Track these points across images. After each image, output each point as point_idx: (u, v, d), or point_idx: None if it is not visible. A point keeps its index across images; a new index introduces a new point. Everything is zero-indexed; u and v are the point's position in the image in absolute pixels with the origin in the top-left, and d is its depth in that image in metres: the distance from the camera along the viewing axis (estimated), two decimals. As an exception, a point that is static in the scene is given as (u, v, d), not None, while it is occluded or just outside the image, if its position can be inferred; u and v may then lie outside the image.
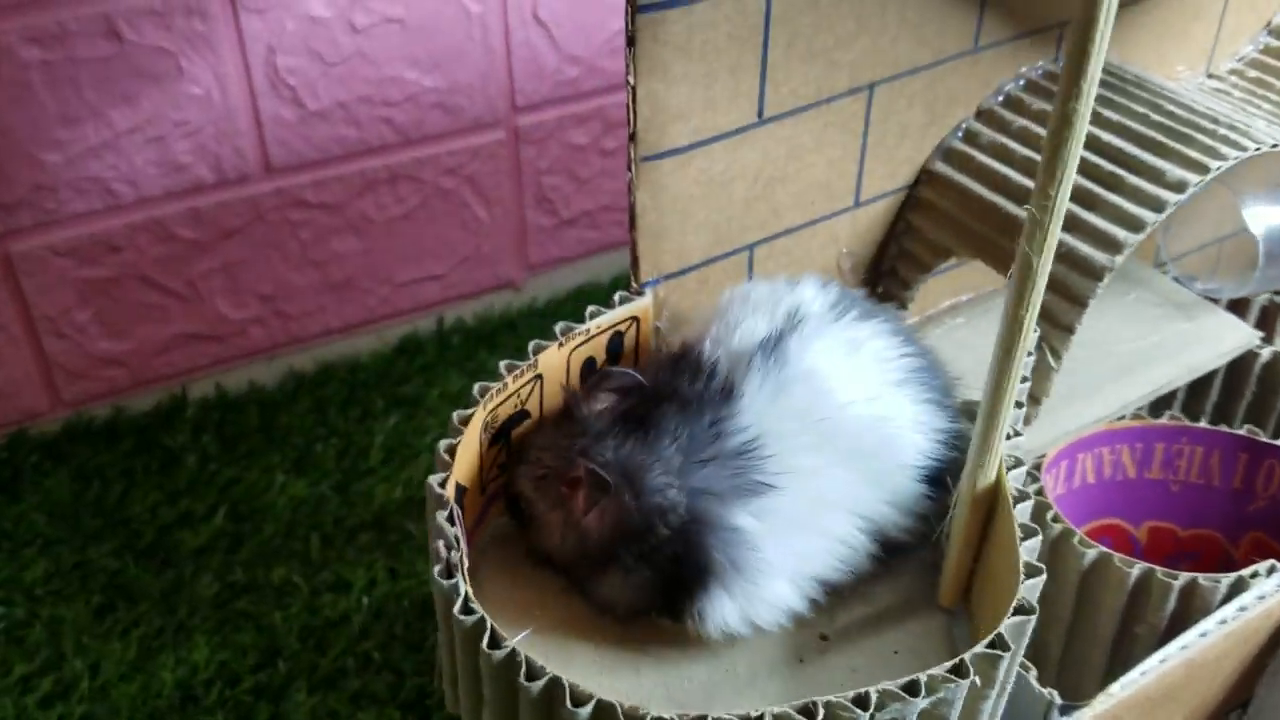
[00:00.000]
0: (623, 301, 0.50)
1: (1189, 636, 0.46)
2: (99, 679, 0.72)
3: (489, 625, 0.37)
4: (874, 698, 0.35)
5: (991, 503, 0.42)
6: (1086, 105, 0.33)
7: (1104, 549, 0.50)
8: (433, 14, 0.88)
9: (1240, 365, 0.63)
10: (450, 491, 0.41)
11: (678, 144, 0.47)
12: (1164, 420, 0.58)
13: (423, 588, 0.78)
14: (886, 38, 0.51)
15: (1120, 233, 0.49)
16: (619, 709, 0.35)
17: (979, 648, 0.36)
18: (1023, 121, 0.55)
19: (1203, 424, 0.58)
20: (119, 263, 0.87)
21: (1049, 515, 0.52)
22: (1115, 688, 0.44)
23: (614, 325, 0.50)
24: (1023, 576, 0.38)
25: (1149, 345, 0.60)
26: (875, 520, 0.44)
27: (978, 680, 0.36)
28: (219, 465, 0.88)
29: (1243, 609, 0.47)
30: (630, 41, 0.43)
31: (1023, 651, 0.39)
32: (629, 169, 0.47)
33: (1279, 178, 0.62)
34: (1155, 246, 0.69)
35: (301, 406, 0.93)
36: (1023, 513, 0.40)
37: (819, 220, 0.55)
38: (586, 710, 0.35)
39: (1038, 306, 0.37)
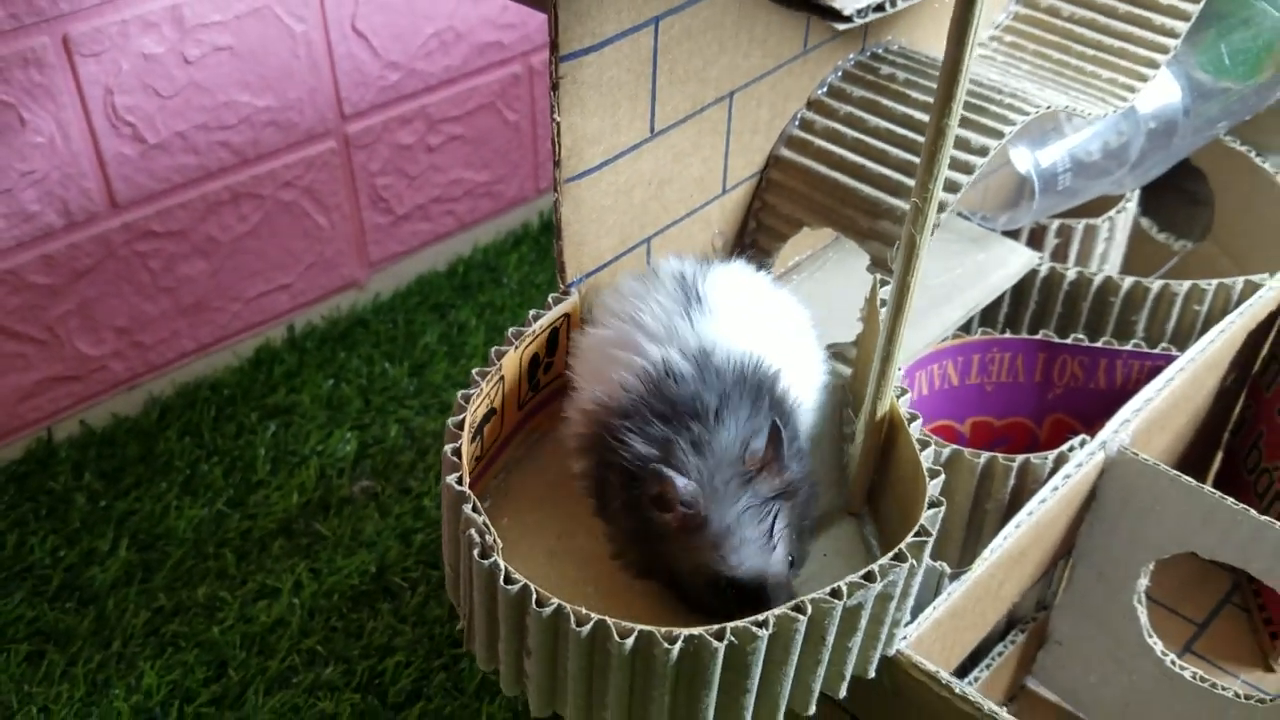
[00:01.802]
0: (555, 302, 0.58)
1: (1033, 504, 0.59)
2: (54, 720, 0.74)
3: (533, 590, 0.45)
4: (844, 589, 0.45)
5: (887, 426, 0.53)
6: (955, 119, 0.44)
7: (957, 447, 0.63)
8: (259, 38, 0.92)
9: (1024, 280, 0.77)
10: (467, 487, 0.49)
11: (592, 164, 0.56)
12: (977, 336, 0.71)
13: (347, 581, 0.84)
14: (740, 53, 0.60)
15: (943, 195, 0.61)
16: (656, 635, 0.44)
17: (910, 538, 0.48)
18: (846, 107, 0.66)
19: (1007, 334, 0.71)
20: (-25, 318, 0.87)
21: (913, 426, 0.64)
22: (987, 552, 0.57)
23: (552, 323, 0.58)
24: (929, 479, 0.50)
25: (956, 276, 0.73)
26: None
27: (914, 562, 0.47)
28: (108, 500, 0.90)
29: (1068, 476, 0.61)
30: (554, 86, 0.51)
31: (934, 537, 0.51)
32: (555, 190, 0.55)
33: (1039, 125, 0.75)
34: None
35: (173, 431, 0.96)
36: (915, 430, 0.52)
37: (697, 209, 0.64)
38: (630, 641, 0.44)
39: (920, 272, 0.48)
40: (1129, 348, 0.71)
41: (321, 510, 0.90)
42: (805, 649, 0.47)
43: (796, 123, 0.67)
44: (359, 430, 0.94)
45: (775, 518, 0.49)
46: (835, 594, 0.46)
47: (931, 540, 0.48)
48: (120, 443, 0.95)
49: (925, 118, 0.65)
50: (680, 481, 0.48)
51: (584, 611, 0.45)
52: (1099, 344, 0.71)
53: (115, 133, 0.88)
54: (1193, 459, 0.79)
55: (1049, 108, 0.65)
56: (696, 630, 0.44)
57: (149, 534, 0.87)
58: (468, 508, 0.47)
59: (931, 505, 0.49)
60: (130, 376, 0.99)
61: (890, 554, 0.47)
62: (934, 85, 0.63)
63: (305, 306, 1.07)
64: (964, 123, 0.64)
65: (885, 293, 0.61)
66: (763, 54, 0.62)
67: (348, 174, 1.03)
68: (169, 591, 0.83)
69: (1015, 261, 0.75)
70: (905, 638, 0.53)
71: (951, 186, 0.62)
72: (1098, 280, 0.76)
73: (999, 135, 0.63)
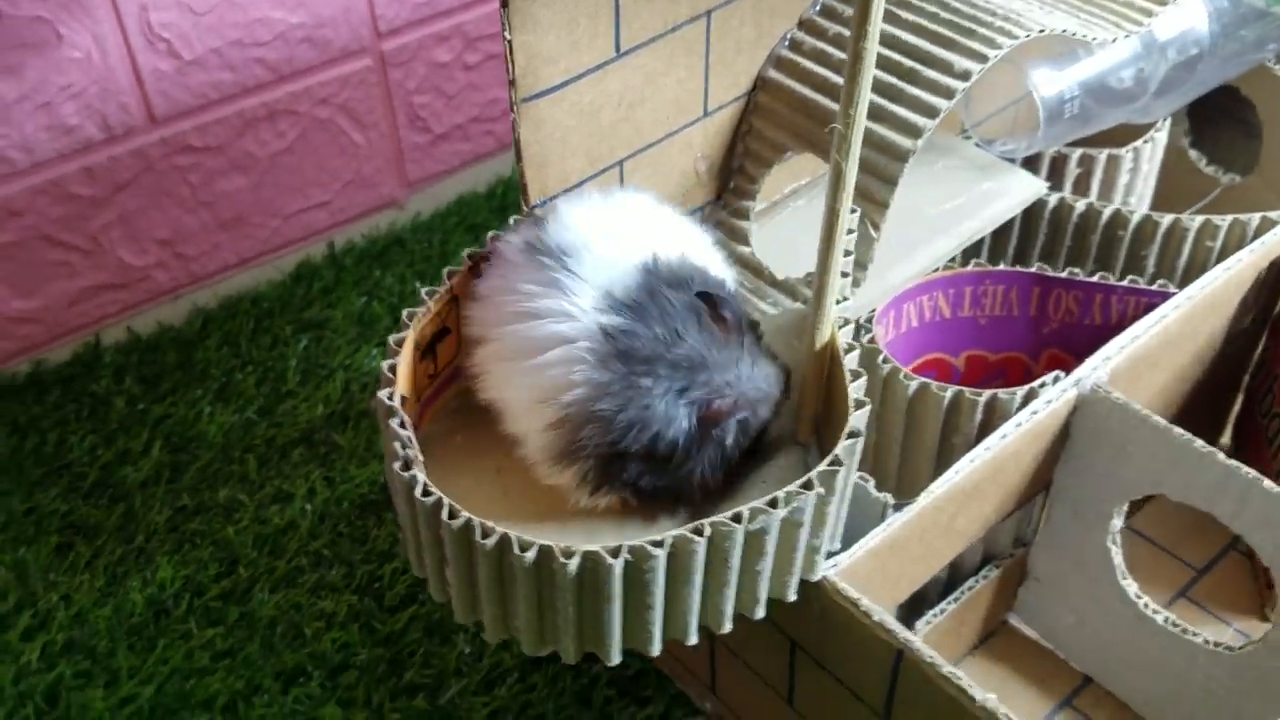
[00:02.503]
0: (516, 223, 0.59)
1: (992, 440, 0.58)
2: (73, 608, 0.79)
3: (445, 503, 0.47)
4: (745, 514, 0.46)
5: (828, 356, 0.53)
6: (873, 43, 0.43)
7: (924, 379, 0.62)
8: (291, -45, 0.93)
9: (1033, 212, 0.75)
10: (398, 402, 0.50)
11: (551, 83, 0.56)
12: (970, 267, 0.70)
13: (358, 490, 0.87)
14: (713, -30, 0.59)
15: (919, 119, 0.60)
16: (555, 550, 0.45)
17: (821, 466, 0.47)
18: (836, 27, 0.65)
19: (1001, 266, 0.70)
20: (22, 226, 0.92)
21: (879, 359, 0.64)
22: (935, 485, 0.57)
23: (510, 243, 0.58)
24: (853, 410, 0.49)
25: (956, 205, 0.72)
26: None
27: (822, 490, 0.47)
28: (146, 404, 0.94)
29: (1034, 413, 0.60)
30: (504, 3, 0.51)
31: (855, 467, 0.50)
32: (511, 110, 0.55)
33: (1056, 50, 0.73)
34: (959, 119, 0.80)
35: (213, 341, 1.00)
36: (851, 360, 0.52)
37: (676, 132, 0.64)
38: (531, 555, 0.45)
39: (849, 199, 0.48)
40: (1124, 283, 0.68)
41: (342, 422, 0.93)
42: (710, 570, 0.47)
43: (786, 43, 0.66)
44: (384, 347, 0.97)
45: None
46: (736, 518, 0.46)
47: (844, 470, 0.48)
48: (162, 350, 0.99)
49: (910, 38, 0.63)
50: (727, 398, 0.50)
51: (490, 525, 0.46)
52: (1094, 279, 0.69)
53: (151, 48, 0.91)
54: (1207, 402, 0.76)
55: (1042, 31, 0.62)
56: (593, 547, 0.45)
57: (181, 437, 0.92)
58: (394, 422, 0.49)
59: (850, 435, 0.49)
60: (174, 287, 1.03)
61: (800, 480, 0.47)
62: (929, 7, 0.62)
63: (345, 224, 1.10)
64: (949, 45, 0.62)
65: (853, 221, 0.60)
66: (740, -28, 0.61)
67: (384, 92, 1.05)
68: (193, 492, 0.87)
69: (1020, 191, 0.73)
70: (835, 565, 0.53)
71: (930, 112, 0.60)
72: (1106, 213, 0.73)
73: (984, 59, 0.61)
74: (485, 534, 0.46)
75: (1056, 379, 0.62)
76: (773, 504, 0.46)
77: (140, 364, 0.98)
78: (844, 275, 0.55)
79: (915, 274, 0.68)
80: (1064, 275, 0.69)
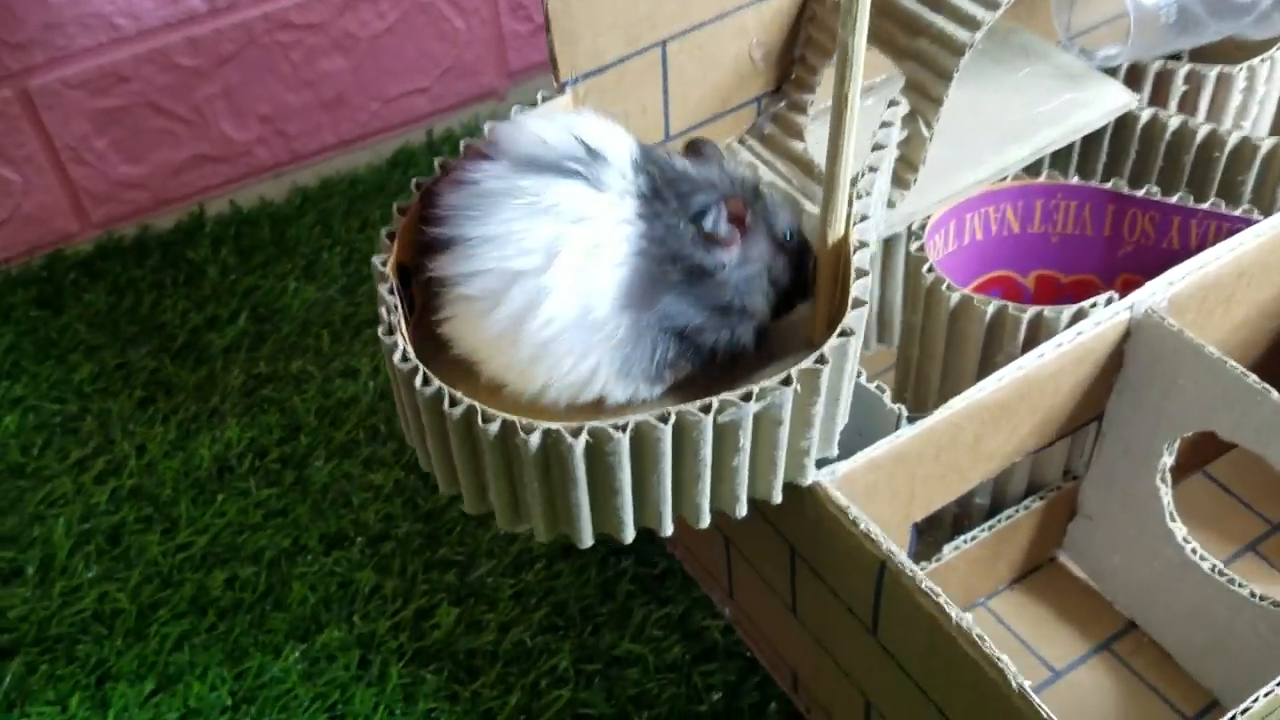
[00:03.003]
0: (545, 100, 0.58)
1: (1027, 359, 0.55)
2: (145, 458, 0.83)
3: (420, 370, 0.46)
4: (715, 404, 0.44)
5: (842, 253, 0.50)
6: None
7: (966, 291, 0.59)
8: None
9: (1124, 128, 0.69)
10: (391, 269, 0.50)
11: (579, -48, 0.54)
12: (1042, 179, 0.65)
13: (421, 369, 0.88)
14: None
15: (978, 10, 0.56)
16: (517, 424, 0.44)
17: (804, 363, 0.45)
18: (905, -87, 0.60)
19: (1075, 180, 0.65)
20: (128, 92, 0.95)
21: (924, 268, 0.61)
22: (955, 401, 0.54)
23: (537, 120, 0.57)
24: (850, 309, 0.47)
25: (1035, 113, 0.67)
26: None
27: (799, 388, 0.45)
28: (238, 275, 0.98)
29: (1079, 334, 0.56)
30: None
31: (850, 369, 0.48)
32: (535, -18, 0.54)
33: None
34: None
35: (308, 220, 1.02)
36: (860, 259, 0.49)
37: (728, 14, 0.61)
38: (494, 427, 0.45)
39: (859, 83, 0.44)
40: (1205, 206, 0.63)
41: (416, 303, 0.94)
42: (680, 461, 0.46)
43: (852, -73, 0.62)
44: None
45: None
46: (705, 409, 0.44)
47: (829, 369, 0.46)
48: (259, 224, 1.02)
49: (982, -75, 0.58)
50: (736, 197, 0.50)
51: (459, 395, 0.45)
52: (1173, 199, 0.63)
53: (252, -77, 0.92)
54: None
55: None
56: (555, 425, 0.44)
57: (266, 308, 0.95)
58: (384, 288, 0.49)
59: (842, 334, 0.46)
60: (274, 164, 1.05)
61: (779, 376, 0.45)
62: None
63: (445, 112, 1.10)
64: (1022, -67, 0.57)
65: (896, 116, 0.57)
66: None
67: (486, -22, 1.04)
68: (269, 360, 0.90)
69: (1106, 103, 0.67)
70: (833, 473, 0.51)
71: (990, 3, 0.56)
72: (1201, 133, 0.67)
73: (1055, -52, 0.56)
74: (454, 403, 0.45)
75: (1110, 300, 0.58)
76: (746, 397, 0.45)
77: (237, 236, 1.01)
78: (869, 171, 0.52)
79: (980, 181, 0.64)
80: (1140, 194, 0.64)
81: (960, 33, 0.56)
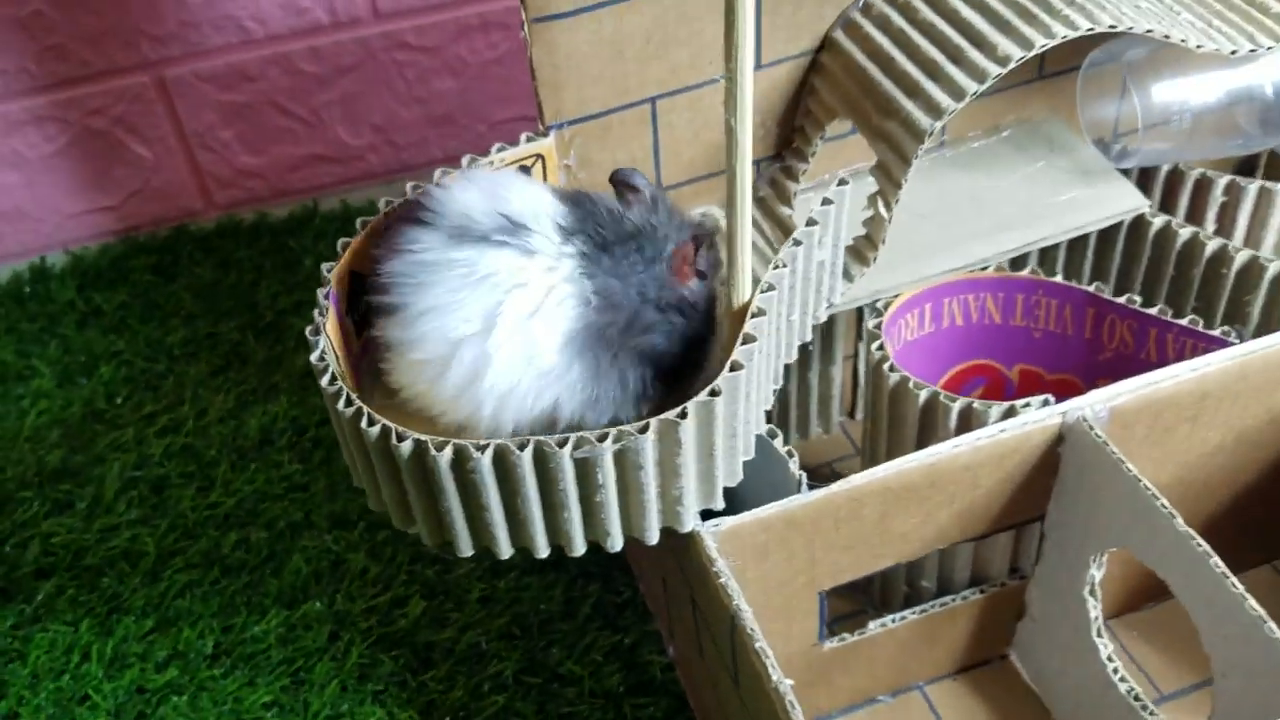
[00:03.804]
0: (529, 140, 0.62)
1: (940, 447, 0.55)
2: (204, 420, 0.91)
3: (343, 391, 0.51)
4: (572, 439, 0.47)
5: (745, 316, 0.52)
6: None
7: (905, 373, 0.59)
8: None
9: (1138, 233, 0.68)
10: (339, 277, 0.55)
11: (563, 8, 0.58)
12: (1025, 273, 0.65)
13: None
14: (766, -82, 0.59)
15: (945, 100, 0.57)
16: (392, 431, 0.48)
17: (667, 415, 0.48)
18: (906, -3, 0.62)
19: (1059, 278, 0.64)
20: (254, 90, 1.04)
21: (874, 345, 0.61)
22: (857, 477, 0.54)
23: (519, 159, 0.61)
24: (726, 370, 0.49)
25: (1037, 206, 0.66)
26: None
27: (654, 438, 0.47)
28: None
29: (1002, 431, 0.56)
30: (506, -74, 0.54)
31: (719, 426, 0.50)
32: (522, 27, 0.58)
33: (1205, 61, 0.65)
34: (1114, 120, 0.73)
35: (406, 222, 1.09)
36: (755, 326, 0.50)
37: (721, 78, 0.64)
38: (375, 430, 0.49)
39: (747, 161, 0.46)
40: (1182, 322, 0.61)
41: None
42: (544, 488, 0.49)
43: (859, 5, 0.64)
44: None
45: None
46: (561, 443, 0.47)
47: (692, 424, 0.48)
48: (361, 223, 1.10)
49: (969, 14, 0.59)
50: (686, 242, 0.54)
51: (377, 416, 0.49)
52: (1152, 311, 0.62)
53: (380, -52, 1.00)
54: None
55: (1113, 27, 0.57)
56: (424, 435, 0.48)
57: (346, 300, 1.02)
58: (321, 292, 0.54)
59: (711, 394, 0.48)
60: (385, 171, 1.13)
61: (638, 423, 0.48)
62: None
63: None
64: (1004, 27, 0.58)
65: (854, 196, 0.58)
66: (799, -76, 0.60)
67: (598, 19, 1.09)
68: (332, 348, 0.97)
69: (1112, 205, 0.66)
70: (718, 525, 0.53)
71: (957, 93, 0.57)
72: (1211, 247, 0.65)
73: (1030, 46, 0.56)
74: (371, 422, 0.49)
75: (1046, 402, 0.57)
76: (602, 438, 0.47)
77: (341, 232, 1.09)
78: (794, 245, 0.54)
79: (961, 266, 0.65)
80: (1120, 301, 0.63)
81: (924, 119, 0.57)
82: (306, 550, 0.81)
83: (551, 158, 0.62)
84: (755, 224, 0.67)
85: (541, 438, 0.47)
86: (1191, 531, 0.51)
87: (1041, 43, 0.56)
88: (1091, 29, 0.56)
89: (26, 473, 0.88)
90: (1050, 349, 0.66)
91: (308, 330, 0.53)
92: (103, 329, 1.02)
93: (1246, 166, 0.79)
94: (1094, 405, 0.56)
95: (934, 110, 0.57)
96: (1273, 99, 0.68)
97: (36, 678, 0.75)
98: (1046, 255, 0.70)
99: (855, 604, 0.72)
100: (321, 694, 0.73)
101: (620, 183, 0.55)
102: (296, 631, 0.77)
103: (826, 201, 0.55)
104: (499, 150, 0.61)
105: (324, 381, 0.51)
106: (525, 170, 0.62)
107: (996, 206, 0.67)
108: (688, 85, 0.63)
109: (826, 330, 0.73)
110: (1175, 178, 0.71)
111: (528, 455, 0.48)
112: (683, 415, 0.48)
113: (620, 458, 0.48)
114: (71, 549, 0.83)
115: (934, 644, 0.66)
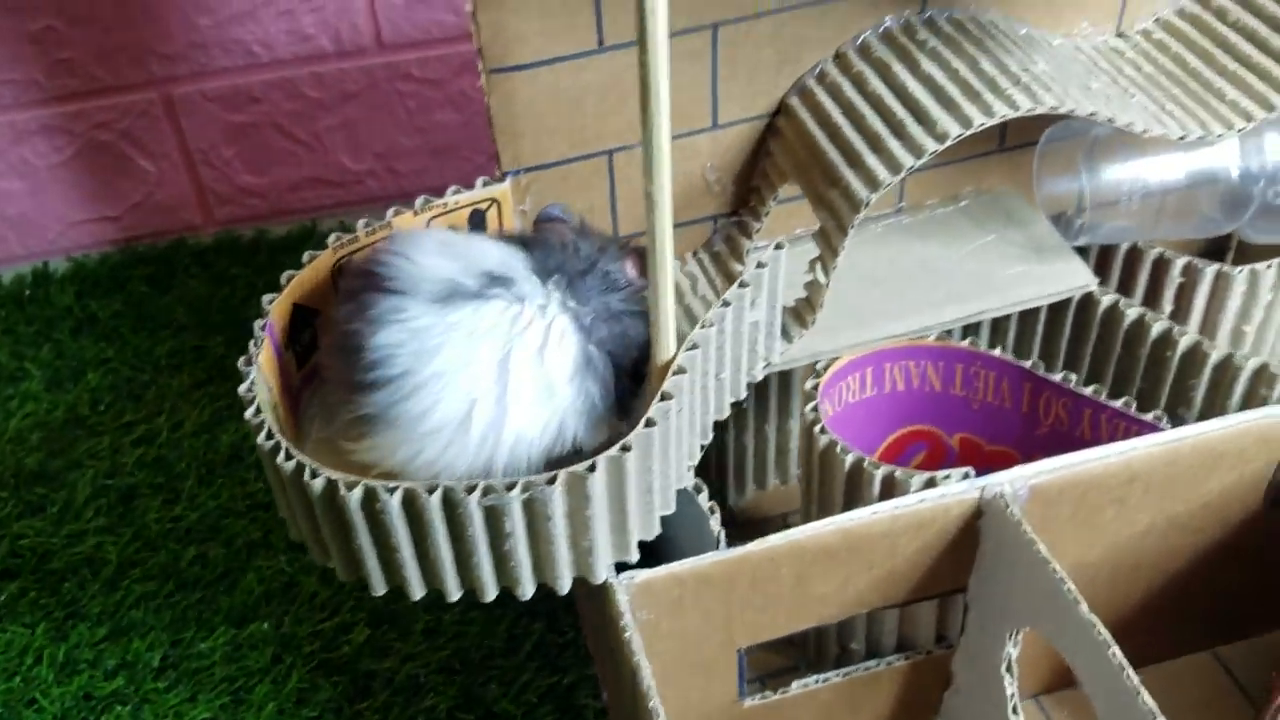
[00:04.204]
0: (485, 184, 0.63)
1: (857, 513, 0.56)
2: (178, 433, 0.93)
3: (266, 424, 0.52)
4: (481, 486, 0.48)
5: (667, 373, 0.53)
6: (656, 70, 0.43)
7: (834, 437, 0.60)
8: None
9: (1087, 310, 0.68)
10: (281, 310, 0.56)
11: (521, 61, 0.59)
12: (965, 344, 0.65)
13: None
14: (723, -14, 0.60)
15: (882, 173, 0.58)
16: (306, 467, 0.50)
17: (575, 469, 0.48)
18: (861, 66, 0.63)
19: (998, 352, 0.65)
20: (257, 111, 1.07)
21: (809, 406, 0.62)
22: (774, 537, 0.55)
23: (473, 203, 0.63)
24: (641, 425, 0.50)
25: (985, 279, 0.67)
26: None
27: (562, 490, 0.48)
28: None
29: (921, 501, 0.56)
30: (464, -25, 0.56)
31: (632, 481, 0.50)
32: (479, 76, 0.60)
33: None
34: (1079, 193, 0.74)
35: (399, 249, 1.11)
36: (674, 385, 0.51)
37: (676, 136, 0.65)
38: (290, 465, 0.50)
39: (667, 229, 0.48)
40: (1116, 404, 0.61)
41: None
42: (453, 532, 0.50)
43: (815, 73, 0.65)
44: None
45: None
46: (470, 489, 0.48)
47: (600, 478, 0.49)
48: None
49: (915, 89, 0.60)
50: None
51: (295, 451, 0.51)
52: (1087, 391, 0.62)
53: (385, -20, 1.02)
54: (1207, 592, 0.66)
55: (1054, 109, 0.57)
56: (338, 474, 0.49)
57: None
58: (258, 324, 0.55)
59: (623, 449, 0.49)
60: (385, 196, 1.15)
61: (546, 475, 0.49)
62: (957, 61, 0.59)
63: (546, 174, 1.17)
64: (948, 104, 0.59)
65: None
66: (756, -9, 0.61)
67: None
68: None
69: (1060, 282, 0.67)
70: (632, 578, 0.54)
71: (894, 167, 0.57)
72: (1156, 329, 0.66)
73: (968, 124, 0.57)
74: (288, 457, 0.51)
75: (966, 475, 0.58)
76: (510, 486, 0.48)
77: (334, 254, 1.11)
78: (722, 305, 0.55)
79: (904, 333, 0.65)
80: (1056, 378, 0.63)
81: (861, 190, 0.58)
82: (261, 570, 0.83)
83: (507, 202, 0.63)
84: (711, 279, 0.68)
85: (449, 483, 0.48)
86: (1094, 619, 0.51)
87: (980, 121, 0.57)
88: (1033, 109, 0.57)
89: (4, 474, 0.90)
90: (989, 420, 0.67)
91: (240, 361, 0.54)
92: (96, 336, 1.04)
93: (1215, 249, 0.79)
94: (1013, 482, 0.57)
95: (871, 182, 0.58)
96: (1237, 182, 0.68)
97: (-12, 677, 0.77)
98: (999, 326, 0.71)
99: (790, 659, 0.72)
100: (259, 715, 0.74)
101: (546, 221, 0.58)
102: (242, 650, 0.78)
103: (760, 265, 0.56)
104: (454, 193, 0.63)
105: (248, 414, 0.52)
106: (480, 214, 0.64)
107: (946, 276, 0.67)
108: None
109: (783, 384, 0.73)
110: (1134, 256, 0.71)
111: (436, 499, 0.49)
112: (591, 469, 0.49)
113: (529, 507, 0.49)
114: (38, 552, 0.85)
115: (857, 709, 0.67)
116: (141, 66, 1.02)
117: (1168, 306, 0.71)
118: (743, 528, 0.82)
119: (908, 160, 0.57)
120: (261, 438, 0.51)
